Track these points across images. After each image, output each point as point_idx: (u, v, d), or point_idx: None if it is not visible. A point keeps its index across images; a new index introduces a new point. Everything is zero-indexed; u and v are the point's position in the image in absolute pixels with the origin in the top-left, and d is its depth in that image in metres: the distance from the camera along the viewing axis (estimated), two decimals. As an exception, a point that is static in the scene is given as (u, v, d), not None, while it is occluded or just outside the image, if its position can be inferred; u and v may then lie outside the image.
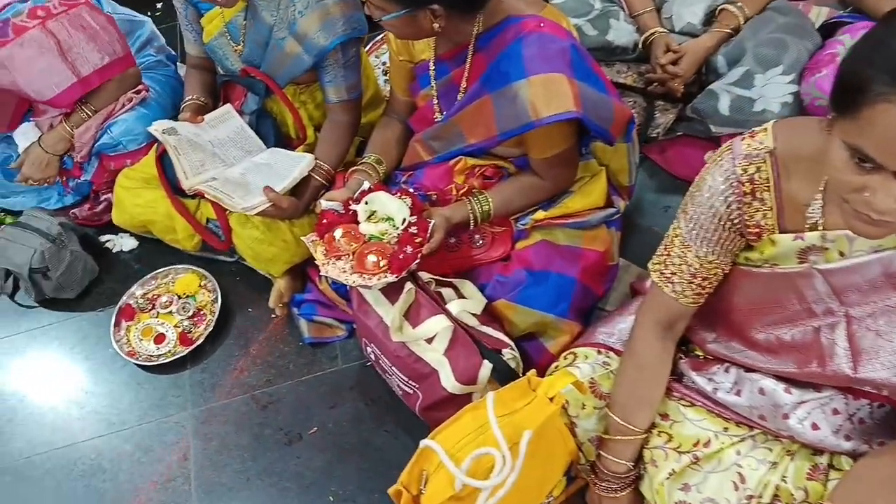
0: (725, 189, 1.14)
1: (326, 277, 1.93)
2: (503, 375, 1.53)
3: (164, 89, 2.27)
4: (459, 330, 1.56)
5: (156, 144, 2.04)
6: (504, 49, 1.53)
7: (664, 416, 1.35)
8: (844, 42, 1.89)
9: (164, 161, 1.99)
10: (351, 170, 1.84)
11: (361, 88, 1.95)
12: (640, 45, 2.11)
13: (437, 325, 1.54)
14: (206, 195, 1.84)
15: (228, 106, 1.99)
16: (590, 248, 1.73)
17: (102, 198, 2.29)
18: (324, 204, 1.72)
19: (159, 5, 3.08)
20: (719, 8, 2.05)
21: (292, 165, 1.86)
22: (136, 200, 2.07)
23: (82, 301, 2.16)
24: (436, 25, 1.49)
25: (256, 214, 1.78)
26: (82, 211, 2.29)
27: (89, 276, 2.16)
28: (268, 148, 2.00)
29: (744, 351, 1.29)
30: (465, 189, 1.77)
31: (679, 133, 2.13)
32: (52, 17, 1.89)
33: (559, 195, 1.74)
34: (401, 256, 1.58)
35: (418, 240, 1.61)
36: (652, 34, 2.07)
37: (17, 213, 2.33)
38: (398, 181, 1.86)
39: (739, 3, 2.01)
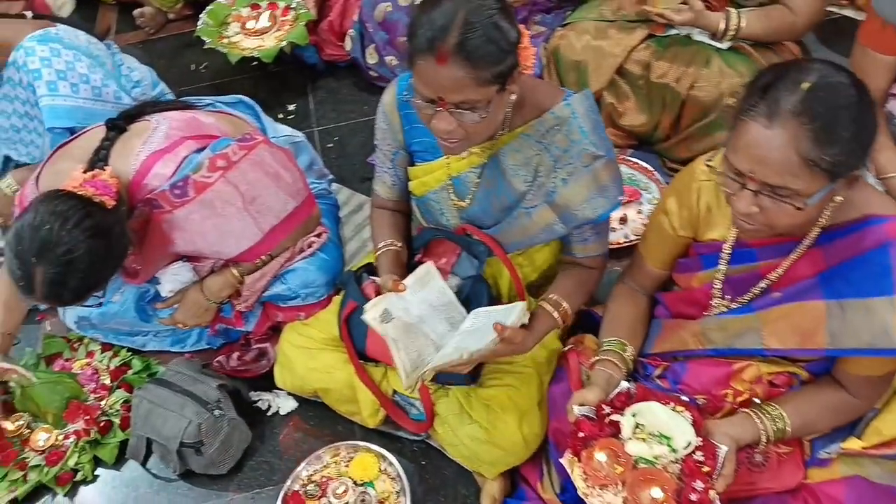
0: None
1: (551, 483, 1.66)
2: None
3: (332, 224, 2.02)
4: None
5: (340, 301, 1.77)
6: (860, 254, 1.26)
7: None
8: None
9: (349, 322, 1.72)
10: (592, 361, 1.55)
11: (605, 244, 1.69)
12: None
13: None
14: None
15: (430, 265, 1.70)
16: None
17: (255, 345, 2.01)
18: (576, 410, 1.43)
19: (292, 107, 2.85)
20: None
21: (505, 316, 1.57)
22: (311, 363, 1.80)
23: (234, 477, 1.86)
24: None
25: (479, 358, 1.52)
26: (230, 360, 2.02)
27: (242, 446, 1.87)
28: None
29: None
30: (744, 397, 1.48)
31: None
32: (233, 165, 1.64)
33: (863, 414, 1.45)
34: (693, 497, 1.29)
35: (705, 469, 1.32)
36: None
37: (140, 353, 2.08)
38: (649, 374, 1.57)
39: None
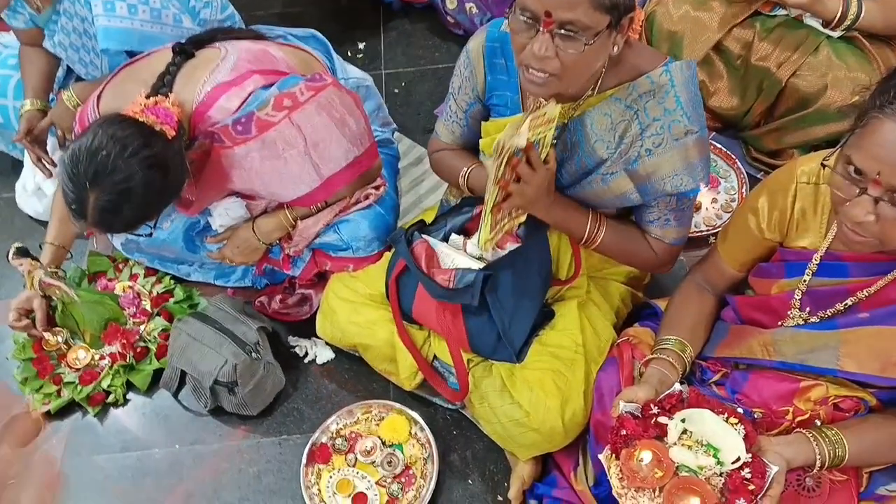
0: None
1: (584, 474, 1.61)
2: None
3: (390, 176, 1.94)
4: None
5: (391, 258, 1.71)
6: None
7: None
8: None
9: (399, 282, 1.66)
10: (647, 358, 1.47)
11: (682, 236, 1.58)
12: None
13: None
14: None
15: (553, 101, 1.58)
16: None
17: (299, 290, 1.97)
18: (622, 406, 1.35)
19: (362, 45, 2.75)
20: None
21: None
22: (354, 317, 1.76)
23: (263, 420, 1.85)
24: None
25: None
26: (273, 301, 1.98)
27: (275, 391, 1.85)
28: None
29: None
30: (804, 417, 1.38)
31: None
32: (299, 106, 1.56)
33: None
34: (733, 513, 1.21)
35: (751, 487, 1.24)
36: None
37: (183, 282, 2.07)
38: (706, 378, 1.48)
39: None
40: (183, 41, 1.62)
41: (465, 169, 1.68)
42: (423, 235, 1.67)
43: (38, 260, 1.81)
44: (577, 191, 1.54)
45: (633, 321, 1.71)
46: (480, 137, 1.66)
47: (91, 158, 1.38)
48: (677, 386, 1.39)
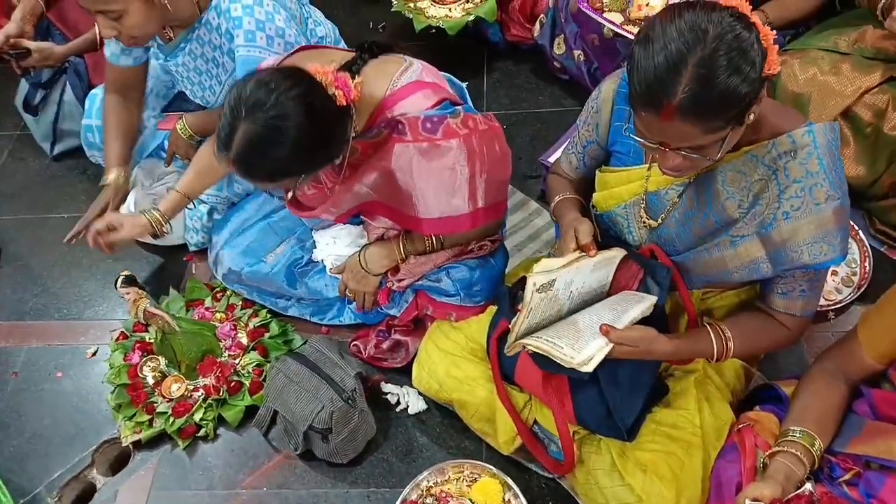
0: None
1: None
2: None
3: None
4: None
5: (494, 315, 1.66)
6: None
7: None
8: None
9: (501, 342, 1.61)
10: (772, 450, 1.37)
11: (813, 307, 1.48)
12: None
13: None
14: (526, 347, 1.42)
15: (622, 252, 1.53)
16: None
17: (394, 335, 1.93)
18: (747, 504, 1.26)
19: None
20: None
21: (632, 302, 1.44)
22: (453, 371, 1.71)
23: (352, 469, 1.81)
24: None
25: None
26: (368, 346, 1.94)
27: (366, 439, 1.81)
28: None
29: None
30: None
31: None
32: (476, 132, 1.56)
33: None
34: None
35: None
36: None
37: (278, 316, 2.05)
38: (836, 476, 1.38)
39: None
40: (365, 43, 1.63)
41: (557, 197, 1.65)
42: None
43: (144, 289, 1.82)
44: (699, 255, 1.46)
45: (751, 402, 1.61)
46: (594, 177, 1.62)
47: (255, 89, 1.36)
48: (808, 486, 1.30)
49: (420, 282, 1.80)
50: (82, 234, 1.99)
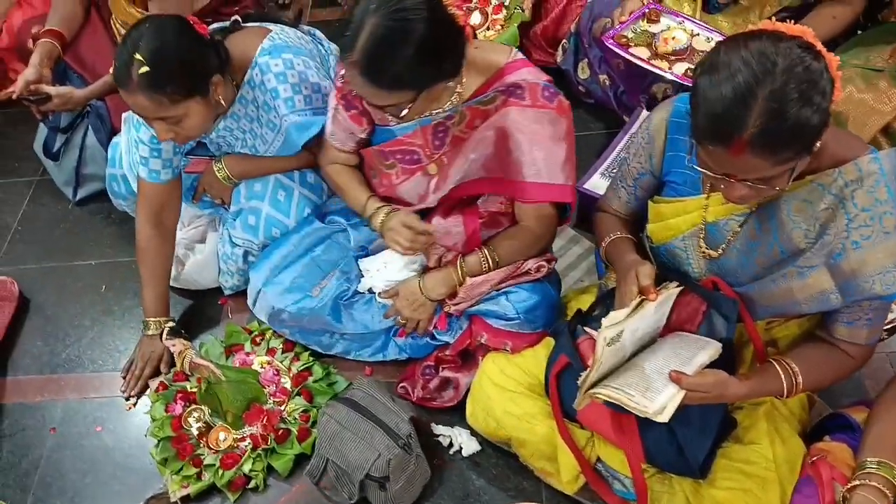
0: None
1: None
2: None
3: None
4: None
5: (553, 351, 1.63)
6: None
7: None
8: None
9: (560, 378, 1.58)
10: (852, 484, 1.34)
11: (877, 335, 1.46)
12: None
13: None
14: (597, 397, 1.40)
15: (679, 287, 1.50)
16: None
17: (441, 374, 1.90)
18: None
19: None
20: None
21: (697, 347, 1.42)
22: (511, 407, 1.68)
23: (409, 517, 1.76)
24: None
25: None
26: (415, 387, 1.91)
27: (422, 484, 1.76)
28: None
29: None
30: None
31: None
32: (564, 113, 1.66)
33: None
34: None
35: None
36: None
37: (321, 356, 2.01)
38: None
39: None
40: None
41: (608, 237, 1.63)
42: (588, 329, 1.59)
43: (189, 339, 1.78)
44: (765, 286, 1.43)
45: (819, 432, 1.58)
46: (646, 209, 1.60)
47: None
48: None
49: (477, 306, 1.79)
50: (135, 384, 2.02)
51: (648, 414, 1.31)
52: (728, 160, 1.19)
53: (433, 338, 1.90)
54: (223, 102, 1.77)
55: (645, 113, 2.39)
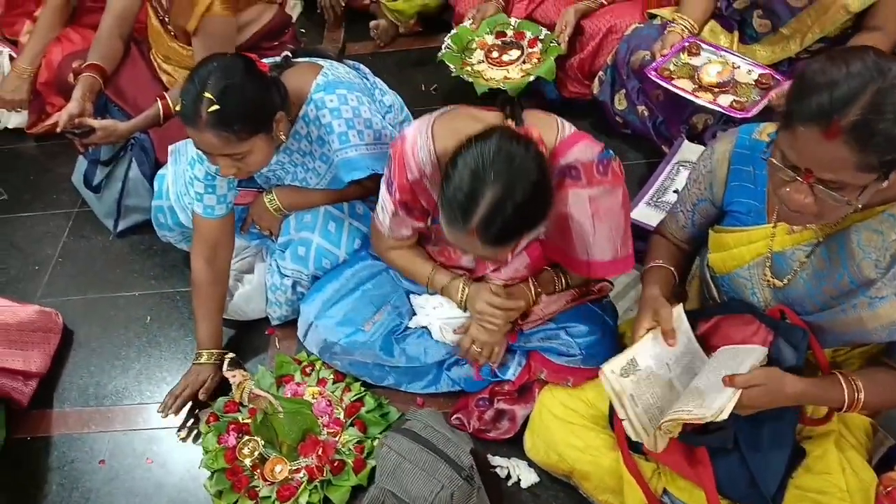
0: None
1: None
2: None
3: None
4: None
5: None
6: None
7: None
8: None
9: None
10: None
11: None
12: None
13: None
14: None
15: (680, 307, 1.52)
16: None
17: (497, 403, 1.89)
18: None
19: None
20: None
21: (744, 355, 1.42)
22: (574, 440, 1.67)
23: (471, 550, 1.73)
24: None
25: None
26: (471, 418, 1.90)
27: (482, 517, 1.75)
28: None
29: None
30: None
31: None
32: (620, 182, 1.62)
33: None
34: None
35: None
36: None
37: (372, 387, 2.01)
38: None
39: None
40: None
41: (651, 263, 1.66)
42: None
43: (248, 371, 1.78)
44: (835, 315, 1.43)
45: (886, 461, 1.57)
46: (703, 236, 1.61)
47: (496, 156, 1.37)
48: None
49: (536, 343, 1.79)
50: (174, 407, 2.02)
51: (708, 418, 1.31)
52: (815, 147, 1.16)
53: (494, 375, 1.88)
54: (283, 138, 1.79)
55: (687, 143, 2.42)
